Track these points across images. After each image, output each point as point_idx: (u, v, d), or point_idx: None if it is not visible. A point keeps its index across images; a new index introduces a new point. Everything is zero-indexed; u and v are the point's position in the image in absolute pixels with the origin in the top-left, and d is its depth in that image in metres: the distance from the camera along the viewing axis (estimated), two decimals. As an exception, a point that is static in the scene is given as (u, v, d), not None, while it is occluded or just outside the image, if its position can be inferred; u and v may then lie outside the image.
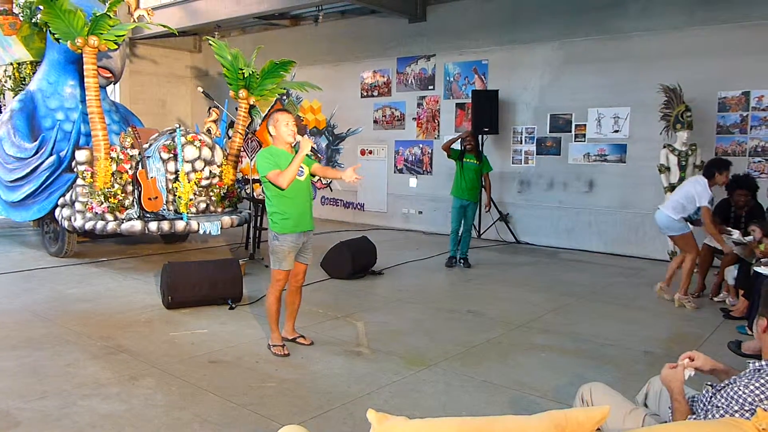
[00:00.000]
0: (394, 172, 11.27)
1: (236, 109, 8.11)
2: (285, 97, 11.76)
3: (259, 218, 8.13)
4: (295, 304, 4.72)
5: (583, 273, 7.63)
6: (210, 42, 7.89)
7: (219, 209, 7.71)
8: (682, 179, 7.49)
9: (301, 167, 4.40)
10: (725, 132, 7.94)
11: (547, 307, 5.95)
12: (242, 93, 7.92)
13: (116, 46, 7.21)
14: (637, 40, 8.49)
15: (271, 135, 4.44)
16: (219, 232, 7.24)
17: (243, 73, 7.73)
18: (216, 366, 4.23)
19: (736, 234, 5.89)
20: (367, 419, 3.49)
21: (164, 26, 8.26)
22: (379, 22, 11.13)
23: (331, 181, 12.12)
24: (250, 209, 8.14)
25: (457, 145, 7.83)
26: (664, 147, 7.68)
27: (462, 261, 7.85)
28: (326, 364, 4.30)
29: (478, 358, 4.50)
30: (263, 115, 9.49)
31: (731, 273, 5.98)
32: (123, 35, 7.22)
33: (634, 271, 7.72)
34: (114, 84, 8.87)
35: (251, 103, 8.07)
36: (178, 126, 7.44)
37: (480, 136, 8.86)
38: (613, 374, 4.18)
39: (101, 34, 6.92)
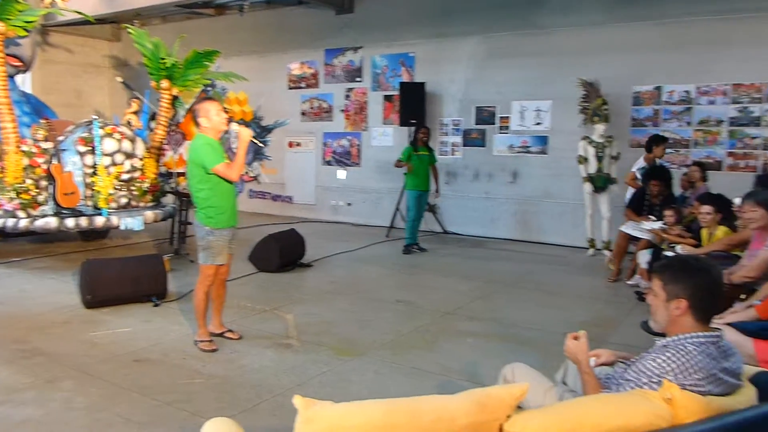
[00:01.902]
0: (323, 164, 11.22)
1: (158, 100, 7.85)
2: (210, 88, 11.50)
3: (184, 212, 7.91)
4: (221, 297, 4.65)
5: (508, 261, 7.87)
6: (129, 30, 7.58)
7: (141, 204, 7.44)
8: (599, 170, 7.84)
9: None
10: (639, 125, 8.36)
11: (474, 295, 6.11)
12: (164, 83, 7.66)
13: (26, 33, 6.83)
14: (558, 35, 8.78)
15: (199, 125, 4.33)
16: (142, 228, 7.00)
17: (165, 63, 7.48)
18: (140, 365, 4.11)
19: (652, 223, 6.22)
20: (296, 410, 3.50)
21: (79, 13, 7.88)
22: (306, 13, 11.02)
23: (258, 174, 11.99)
24: (174, 203, 7.91)
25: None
26: (583, 139, 8.00)
27: (415, 246, 8.27)
28: (255, 358, 4.25)
29: (406, 346, 4.57)
30: (187, 107, 9.24)
31: (644, 257, 6.31)
32: (33, 21, 6.83)
33: (557, 259, 8.02)
34: (24, 73, 8.39)
35: (174, 94, 7.82)
36: (95, 118, 7.13)
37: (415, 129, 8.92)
38: (535, 356, 4.34)
39: (9, 19, 6.52)
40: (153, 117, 8.38)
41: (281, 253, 6.83)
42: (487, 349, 4.55)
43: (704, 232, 5.29)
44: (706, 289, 2.07)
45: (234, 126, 4.40)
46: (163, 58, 7.50)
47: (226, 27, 11.89)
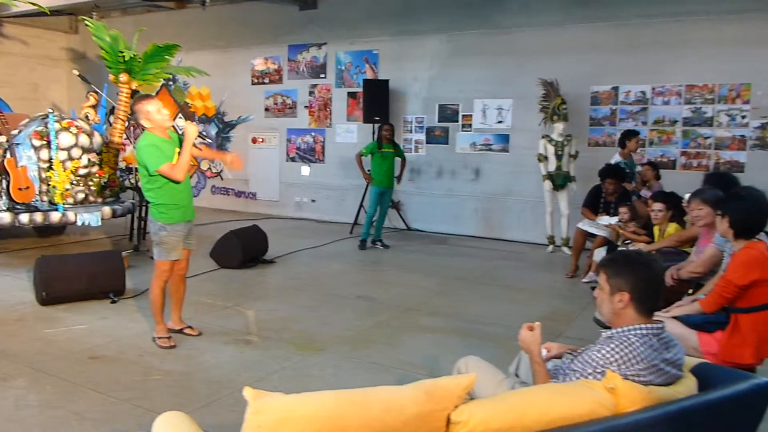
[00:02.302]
0: (287, 161, 11.16)
1: (117, 94, 7.71)
2: (171, 83, 11.34)
3: (143, 208, 7.80)
4: (180, 292, 4.62)
5: (470, 258, 7.97)
6: (87, 23, 7.44)
7: (99, 199, 7.31)
8: (558, 168, 7.99)
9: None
10: (597, 124, 8.54)
11: (435, 291, 6.18)
12: (123, 77, 7.53)
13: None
14: (519, 35, 8.91)
15: (144, 128, 4.28)
16: (99, 224, 6.88)
17: (123, 57, 7.35)
18: (96, 362, 4.06)
19: (607, 218, 6.38)
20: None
21: (34, 4, 7.69)
22: (270, 8, 10.93)
23: (222, 170, 11.90)
24: (133, 199, 7.79)
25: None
26: (543, 137, 8.13)
27: (378, 243, 8.37)
28: (215, 354, 4.24)
29: (367, 342, 4.60)
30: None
31: (600, 254, 6.46)
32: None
33: (517, 255, 8.15)
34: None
35: (134, 87, 7.70)
36: (51, 111, 6.97)
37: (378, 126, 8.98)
38: (494, 351, 4.41)
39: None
40: (112, 111, 8.24)
41: (243, 249, 6.78)
42: (447, 343, 4.61)
43: (656, 229, 5.45)
44: (647, 282, 2.16)
45: (179, 122, 4.33)
46: (121, 52, 7.37)
47: (188, 21, 11.71)
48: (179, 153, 4.22)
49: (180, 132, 4.52)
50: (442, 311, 5.47)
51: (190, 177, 4.49)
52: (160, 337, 4.38)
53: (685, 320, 3.20)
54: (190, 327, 4.64)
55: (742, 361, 2.91)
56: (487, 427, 1.72)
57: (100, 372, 3.87)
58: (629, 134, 7.31)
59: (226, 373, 3.91)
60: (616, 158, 7.26)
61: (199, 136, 4.35)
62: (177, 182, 4.20)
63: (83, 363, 4.02)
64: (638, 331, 2.13)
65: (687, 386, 2.16)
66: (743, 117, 7.62)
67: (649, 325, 2.14)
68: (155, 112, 4.16)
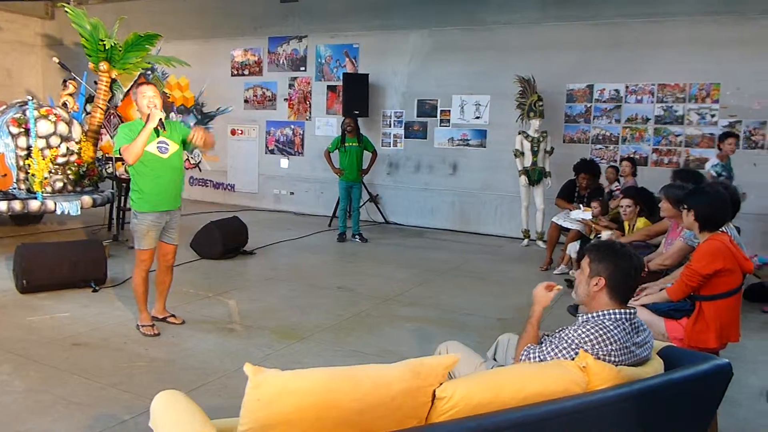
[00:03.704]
0: (266, 153, 11.19)
1: (95, 82, 7.68)
2: (150, 72, 11.25)
3: (123, 198, 7.79)
4: (165, 283, 4.66)
5: (447, 251, 8.11)
6: (66, 9, 7.37)
7: (77, 188, 7.28)
8: (534, 163, 8.17)
9: (166, 144, 4.26)
10: (572, 121, 8.74)
11: (413, 282, 6.30)
12: (103, 66, 7.51)
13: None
14: (497, 32, 9.06)
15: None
16: (79, 213, 6.86)
17: (104, 45, 7.32)
18: (80, 349, 4.10)
19: (580, 212, 6.56)
20: (240, 390, 3.59)
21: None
22: (251, 0, 10.94)
23: (200, 161, 11.84)
24: (113, 188, 7.77)
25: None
26: (519, 133, 8.30)
27: (357, 237, 8.41)
28: (198, 342, 4.31)
29: (348, 330, 4.71)
30: (125, 90, 9.05)
31: (574, 247, 6.64)
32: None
33: (493, 248, 8.32)
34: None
35: (113, 76, 7.67)
36: (30, 98, 6.92)
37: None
38: (472, 339, 4.55)
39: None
40: (90, 99, 8.19)
41: (224, 240, 6.83)
42: (426, 332, 4.74)
43: (626, 224, 5.64)
44: (624, 272, 2.31)
45: (155, 111, 4.21)
46: (102, 40, 7.34)
47: (168, 10, 11.65)
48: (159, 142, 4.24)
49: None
50: (421, 302, 5.60)
51: (185, 170, 4.49)
52: (143, 325, 4.42)
53: (653, 308, 3.37)
54: (173, 316, 4.69)
55: (707, 346, 3.09)
56: (468, 402, 1.84)
57: (84, 358, 3.92)
58: (724, 135, 6.82)
59: (210, 360, 3.98)
60: (713, 161, 6.84)
61: (160, 125, 4.23)
62: (163, 167, 4.23)
63: (67, 350, 4.06)
64: (612, 316, 2.27)
65: (654, 367, 2.31)
66: (712, 116, 7.88)
67: (622, 311, 2.29)
68: (141, 95, 4.18)
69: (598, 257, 2.34)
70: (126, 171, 7.80)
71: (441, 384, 1.86)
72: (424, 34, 9.62)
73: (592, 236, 6.15)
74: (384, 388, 1.75)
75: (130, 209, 8.12)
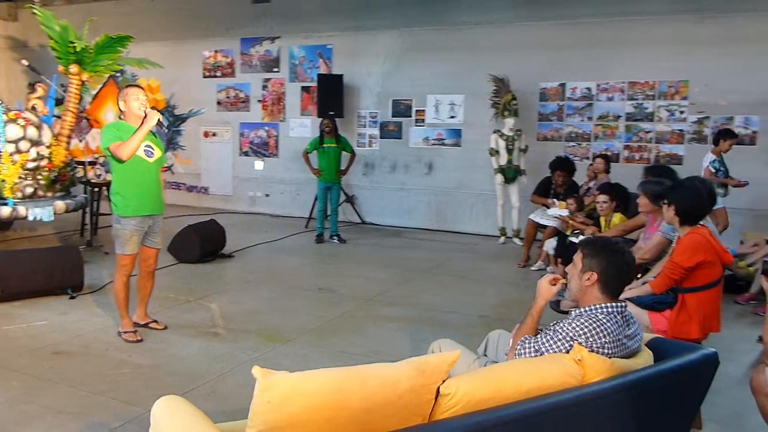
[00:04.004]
0: (240, 155, 11.10)
1: (61, 85, 7.54)
2: (119, 75, 11.07)
3: (96, 203, 7.66)
4: (147, 288, 4.60)
5: (425, 250, 8.15)
6: (35, 11, 7.23)
7: (49, 194, 7.13)
8: (509, 162, 8.26)
9: (152, 148, 4.28)
10: (545, 119, 8.87)
11: (394, 282, 6.32)
12: (73, 68, 7.37)
13: None
14: (470, 32, 9.14)
15: (121, 111, 4.29)
16: (52, 218, 6.72)
17: (74, 47, 7.18)
18: (62, 357, 4.02)
19: (557, 210, 6.66)
20: (230, 393, 3.57)
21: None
22: (222, 0, 10.84)
23: (172, 164, 11.70)
24: (85, 193, 7.63)
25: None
26: (494, 132, 8.39)
27: (335, 238, 8.38)
28: (183, 347, 4.27)
29: (332, 331, 4.72)
30: (94, 93, 8.88)
31: (551, 244, 6.75)
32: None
33: (470, 247, 8.39)
34: None
35: (84, 79, 7.53)
36: (-1, 102, 6.76)
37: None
38: (454, 337, 4.50)
39: None
40: (59, 103, 8.04)
41: (202, 243, 6.77)
42: (409, 332, 4.77)
43: (602, 220, 5.75)
44: (616, 268, 2.37)
45: (148, 110, 4.28)
46: (72, 42, 7.20)
47: (136, 11, 11.46)
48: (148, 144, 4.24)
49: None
50: (402, 301, 5.63)
51: (162, 173, 4.47)
52: (126, 332, 4.36)
53: (637, 301, 3.45)
54: (155, 321, 4.64)
55: (690, 337, 3.18)
56: (471, 398, 1.87)
57: (67, 367, 3.85)
58: (725, 134, 6.90)
59: (196, 365, 3.95)
60: (709, 157, 6.93)
61: (159, 124, 4.28)
62: (145, 170, 4.21)
63: (48, 358, 3.99)
64: (605, 309, 2.33)
65: (644, 358, 2.38)
66: (681, 112, 8.08)
67: (613, 304, 2.35)
68: (133, 98, 4.17)
69: (592, 252, 2.39)
70: (96, 176, 7.72)
71: (444, 381, 1.89)
72: (397, 34, 9.66)
73: (568, 232, 6.25)
74: (390, 387, 1.76)
75: (105, 214, 8.01)
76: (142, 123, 4.12)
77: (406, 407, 1.80)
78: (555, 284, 2.58)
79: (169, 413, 1.99)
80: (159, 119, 4.20)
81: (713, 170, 6.81)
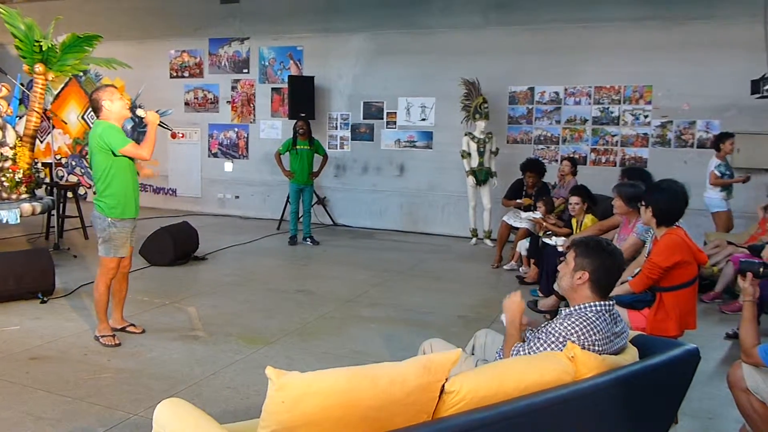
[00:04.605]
0: (209, 156, 10.98)
1: (22, 84, 7.35)
2: (83, 74, 10.83)
3: (62, 205, 7.49)
4: (123, 291, 4.55)
5: (398, 251, 8.21)
6: (0, 9, 7.01)
7: (13, 196, 6.93)
8: (481, 164, 8.38)
9: None
10: (515, 122, 9.02)
11: (371, 283, 6.35)
12: (38, 68, 7.18)
13: None
14: (441, 36, 9.24)
15: (101, 110, 4.19)
16: (18, 221, 6.54)
17: (40, 46, 7.00)
18: (39, 362, 3.94)
19: (530, 213, 6.79)
20: (216, 396, 3.55)
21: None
22: (189, 0, 10.70)
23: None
24: (51, 195, 7.45)
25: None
26: (465, 135, 8.49)
27: (308, 240, 8.39)
28: (163, 351, 4.22)
29: (314, 333, 4.72)
30: (56, 92, 8.66)
31: (523, 245, 6.88)
32: None
33: (443, 248, 8.48)
34: None
35: (50, 79, 7.35)
36: (-40, 102, 6.55)
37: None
38: (435, 337, 4.64)
39: None
40: (21, 102, 7.84)
41: (175, 246, 6.68)
42: (390, 332, 4.81)
43: (574, 221, 5.89)
44: (607, 269, 2.45)
45: (140, 111, 4.35)
46: (38, 41, 7.02)
47: (99, 10, 11.22)
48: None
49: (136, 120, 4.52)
50: (381, 302, 5.67)
51: (138, 174, 4.45)
52: (104, 336, 4.29)
53: (616, 300, 3.53)
54: (132, 325, 4.57)
55: (668, 334, 3.29)
56: (475, 394, 1.92)
57: (45, 372, 3.77)
58: (723, 136, 7.03)
59: (178, 369, 3.91)
60: (713, 162, 7.04)
61: (161, 124, 4.35)
62: (131, 172, 4.24)
63: (25, 364, 3.89)
64: (594, 308, 2.41)
65: (631, 354, 2.47)
66: (646, 116, 8.33)
67: (603, 302, 2.43)
68: (118, 98, 4.19)
69: (584, 252, 2.47)
70: (59, 177, 7.56)
71: (447, 379, 1.93)
72: (366, 36, 9.69)
73: (541, 234, 6.38)
74: (399, 385, 1.80)
75: (71, 216, 7.83)
76: (149, 125, 4.23)
77: (414, 405, 1.84)
78: (517, 299, 2.67)
79: (175, 416, 1.98)
80: (159, 118, 4.32)
81: (719, 174, 6.99)
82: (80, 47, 7.39)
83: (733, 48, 7.68)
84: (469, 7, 9.06)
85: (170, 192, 11.27)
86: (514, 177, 7.71)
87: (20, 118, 7.59)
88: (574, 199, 5.82)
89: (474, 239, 8.69)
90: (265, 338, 4.54)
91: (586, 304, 2.42)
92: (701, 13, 7.87)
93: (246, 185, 10.69)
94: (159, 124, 4.30)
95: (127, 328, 4.53)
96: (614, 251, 2.50)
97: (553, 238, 5.87)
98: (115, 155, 4.11)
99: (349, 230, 9.71)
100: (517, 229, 7.05)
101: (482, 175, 8.40)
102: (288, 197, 9.43)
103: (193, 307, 5.26)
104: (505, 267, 7.13)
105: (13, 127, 7.13)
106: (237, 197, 10.79)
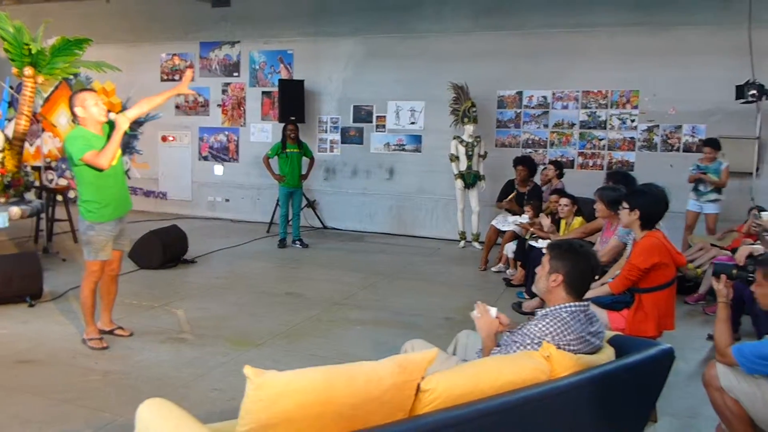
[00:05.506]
0: (199, 160, 10.99)
1: (11, 87, 7.36)
2: (72, 77, 10.82)
3: (51, 209, 7.49)
4: (112, 294, 4.56)
5: (387, 254, 8.26)
6: (-11, 12, 7.03)
7: (2, 199, 6.94)
8: (469, 167, 8.45)
9: None
10: (503, 126, 9.10)
11: (359, 286, 6.40)
12: (28, 71, 7.19)
13: None
14: (430, 40, 9.31)
15: (76, 116, 4.20)
16: (6, 225, 6.54)
17: (29, 49, 7.02)
18: (27, 366, 3.96)
19: (518, 218, 6.86)
20: (203, 398, 3.59)
21: None
22: (180, 3, 10.72)
23: (128, 169, 11.48)
24: (40, 198, 7.45)
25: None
26: (454, 138, 8.56)
27: (298, 242, 8.43)
28: (151, 353, 4.25)
29: (301, 335, 4.76)
30: (46, 96, 8.67)
31: (510, 248, 6.95)
32: None
33: (431, 251, 8.54)
34: None
35: (39, 82, 7.37)
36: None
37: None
38: (421, 339, 4.68)
39: None
40: (9, 105, 7.83)
41: (164, 249, 6.70)
42: (377, 334, 4.86)
43: (563, 223, 5.97)
44: (581, 271, 2.51)
45: (111, 115, 4.23)
46: (27, 44, 7.04)
47: (89, 13, 11.23)
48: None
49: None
50: (369, 305, 5.71)
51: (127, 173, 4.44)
52: (91, 339, 4.31)
53: (596, 301, 3.61)
54: (120, 328, 4.59)
55: (646, 334, 3.36)
56: (451, 393, 1.97)
57: (33, 375, 3.79)
58: (704, 142, 7.33)
59: (166, 371, 3.94)
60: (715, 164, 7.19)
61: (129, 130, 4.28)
62: (100, 170, 4.06)
63: (12, 367, 3.91)
64: (569, 308, 2.46)
65: (607, 354, 2.53)
66: (632, 121, 8.43)
67: (577, 303, 2.49)
68: (92, 103, 4.09)
69: (558, 255, 2.53)
70: (48, 180, 7.54)
71: (423, 378, 1.98)
72: (357, 41, 9.75)
73: (527, 236, 6.44)
74: (376, 383, 1.85)
75: (61, 220, 7.84)
76: (116, 130, 4.09)
77: (390, 402, 1.89)
78: (488, 319, 2.72)
79: (157, 416, 2.02)
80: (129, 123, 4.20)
81: (691, 171, 7.31)
82: (70, 50, 7.42)
83: (719, 54, 7.79)
84: (458, 12, 9.14)
85: (160, 195, 11.28)
86: (503, 180, 7.80)
87: (9, 121, 7.59)
88: (563, 201, 5.91)
89: (462, 242, 8.75)
90: (253, 341, 4.58)
91: (561, 306, 2.48)
92: (687, 19, 7.97)
93: (236, 188, 10.72)
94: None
95: (116, 331, 4.55)
96: (588, 253, 2.56)
97: (539, 240, 5.95)
98: (75, 164, 4.06)
99: (338, 233, 9.75)
100: (504, 232, 7.11)
101: (471, 179, 8.47)
102: (278, 200, 9.48)
103: (181, 309, 5.29)
104: (492, 269, 7.20)
105: (2, 131, 7.15)
106: (227, 200, 10.81)
